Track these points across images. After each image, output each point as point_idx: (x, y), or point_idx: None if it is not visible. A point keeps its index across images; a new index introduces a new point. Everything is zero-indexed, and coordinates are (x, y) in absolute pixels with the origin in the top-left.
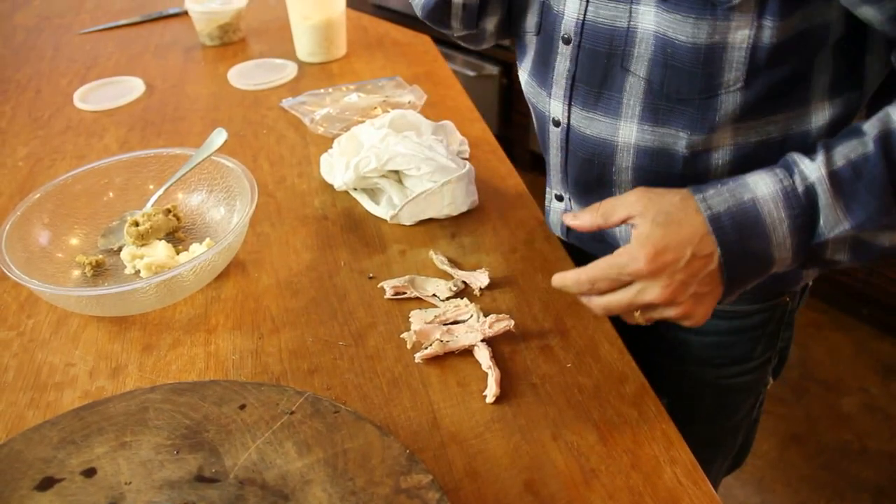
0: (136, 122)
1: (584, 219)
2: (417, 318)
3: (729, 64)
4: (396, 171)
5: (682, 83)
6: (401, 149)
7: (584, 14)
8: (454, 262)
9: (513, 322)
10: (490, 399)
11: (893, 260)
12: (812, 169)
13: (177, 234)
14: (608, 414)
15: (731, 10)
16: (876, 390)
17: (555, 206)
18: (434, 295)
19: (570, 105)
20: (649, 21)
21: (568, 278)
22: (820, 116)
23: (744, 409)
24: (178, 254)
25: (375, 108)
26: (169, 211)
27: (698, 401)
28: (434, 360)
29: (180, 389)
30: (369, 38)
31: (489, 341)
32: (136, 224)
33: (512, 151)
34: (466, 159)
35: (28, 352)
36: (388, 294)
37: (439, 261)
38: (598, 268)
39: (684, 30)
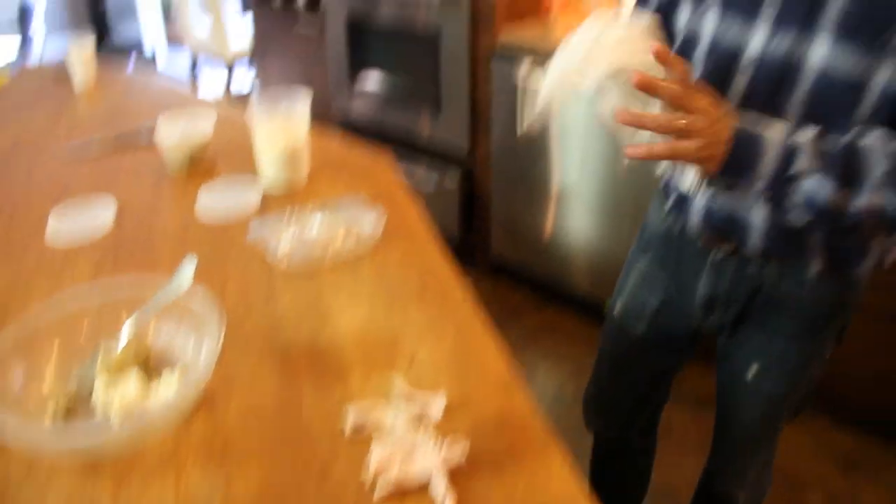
0: (107, 252)
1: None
2: (377, 453)
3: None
4: None
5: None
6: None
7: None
8: (413, 386)
9: (468, 443)
10: None
11: (843, 354)
12: (807, 133)
13: (149, 362)
14: None
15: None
16: (838, 483)
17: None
18: (393, 424)
19: None
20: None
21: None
22: None
23: (817, 366)
24: (151, 381)
25: (339, 230)
26: (140, 341)
27: (784, 364)
28: (394, 495)
29: None
30: (332, 159)
31: (446, 465)
32: (109, 356)
33: (474, 256)
34: None
35: None
36: (349, 430)
37: (399, 388)
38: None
39: (846, 65)
